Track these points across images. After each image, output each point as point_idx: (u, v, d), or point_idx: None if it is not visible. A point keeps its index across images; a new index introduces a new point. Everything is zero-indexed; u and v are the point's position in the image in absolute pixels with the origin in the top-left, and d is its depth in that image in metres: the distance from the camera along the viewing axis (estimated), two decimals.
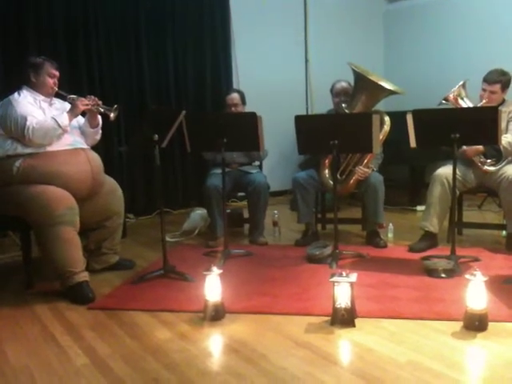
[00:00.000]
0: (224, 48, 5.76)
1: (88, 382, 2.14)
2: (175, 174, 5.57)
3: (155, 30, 5.30)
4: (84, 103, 3.27)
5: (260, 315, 2.73)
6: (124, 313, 2.82)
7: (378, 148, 3.63)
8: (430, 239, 3.81)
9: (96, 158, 3.35)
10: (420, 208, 4.92)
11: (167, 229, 3.96)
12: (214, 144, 3.56)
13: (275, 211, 4.59)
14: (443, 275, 3.18)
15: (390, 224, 4.22)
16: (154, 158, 3.32)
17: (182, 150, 4.61)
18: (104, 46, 5.02)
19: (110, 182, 3.52)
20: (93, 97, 3.35)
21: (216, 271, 2.68)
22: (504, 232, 3.90)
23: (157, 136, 3.28)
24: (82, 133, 3.41)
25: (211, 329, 2.60)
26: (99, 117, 3.45)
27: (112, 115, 3.36)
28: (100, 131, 3.51)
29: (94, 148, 3.49)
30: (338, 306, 2.54)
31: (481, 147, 3.73)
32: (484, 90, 3.80)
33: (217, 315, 2.67)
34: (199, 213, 4.62)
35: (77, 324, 2.70)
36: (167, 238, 3.87)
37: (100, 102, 3.36)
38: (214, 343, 2.51)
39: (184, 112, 3.46)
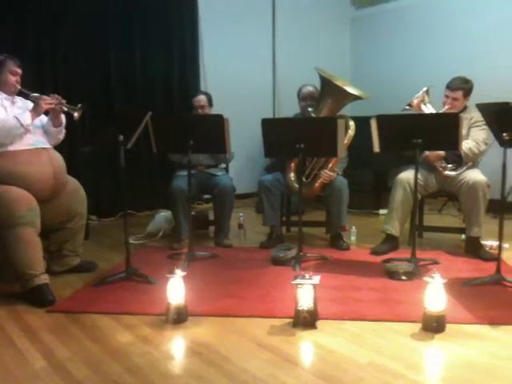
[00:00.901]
0: (192, 49, 5.75)
1: None
2: (140, 175, 5.52)
3: (122, 29, 5.26)
4: (47, 102, 3.21)
5: (223, 318, 2.73)
6: (85, 316, 2.78)
7: (342, 152, 3.67)
8: (391, 242, 3.89)
9: (58, 158, 3.29)
10: (383, 211, 5.01)
11: (131, 231, 3.91)
12: (180, 146, 3.55)
13: (241, 214, 4.59)
14: (404, 277, 3.24)
15: (354, 227, 4.27)
16: (118, 159, 3.29)
17: (148, 151, 4.57)
18: (70, 44, 4.95)
19: (73, 183, 3.47)
20: (56, 95, 3.29)
21: (179, 273, 2.67)
22: (463, 236, 3.99)
23: (122, 137, 3.24)
24: (45, 132, 3.34)
25: (174, 332, 2.58)
26: (63, 116, 3.39)
27: (76, 114, 3.31)
28: (64, 130, 3.45)
29: (57, 148, 3.43)
30: (301, 308, 2.56)
31: (442, 152, 3.81)
32: (447, 96, 3.90)
33: (179, 318, 2.65)
34: (164, 215, 4.59)
35: (36, 327, 2.64)
36: (131, 240, 3.83)
37: (64, 101, 3.30)
38: (177, 346, 2.50)
39: (150, 113, 3.43)
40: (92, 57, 5.10)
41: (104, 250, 4.12)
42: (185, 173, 3.84)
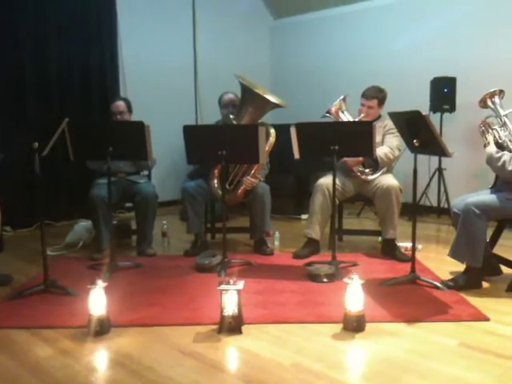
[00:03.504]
0: (111, 54, 5.62)
1: None
2: (58, 183, 5.33)
3: (37, 29, 5.05)
4: None
5: (147, 327, 2.69)
6: (0, 331, 2.64)
7: (264, 158, 3.73)
8: (312, 246, 3.99)
9: None
10: (304, 216, 5.11)
11: (49, 242, 3.78)
12: (99, 153, 3.47)
13: (164, 221, 4.55)
14: (325, 280, 3.34)
15: (277, 232, 4.36)
16: (34, 167, 3.16)
17: (65, 158, 4.43)
18: None
19: None
20: None
21: (101, 284, 2.61)
22: (380, 238, 4.16)
23: (37, 144, 3.12)
24: None
25: (96, 344, 2.51)
26: None
27: None
28: None
29: None
30: (226, 314, 2.58)
31: (360, 158, 3.96)
32: (362, 104, 4.08)
33: (102, 329, 2.59)
34: (83, 224, 4.45)
35: None
36: (48, 252, 3.69)
37: None
38: (99, 358, 2.43)
39: (67, 119, 3.33)
40: (3, 57, 4.85)
41: (20, 262, 3.94)
42: (105, 180, 3.74)
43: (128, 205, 4.60)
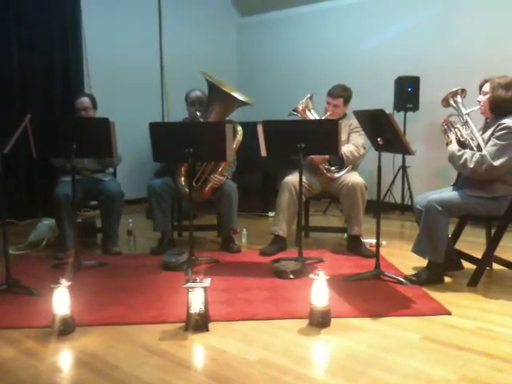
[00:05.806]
0: (74, 49, 5.53)
1: None
2: (20, 181, 5.21)
3: None
4: None
5: (112, 326, 2.66)
6: None
7: (231, 156, 3.74)
8: (279, 243, 4.02)
9: None
10: (271, 214, 5.16)
11: (11, 241, 3.69)
12: (62, 150, 3.41)
13: (130, 220, 4.51)
14: (291, 276, 3.37)
15: (244, 229, 4.37)
16: None
17: (27, 155, 4.34)
18: None
19: None
20: None
21: (65, 283, 2.57)
22: (345, 234, 4.22)
23: None
24: None
25: (60, 343, 2.48)
26: None
27: None
28: None
29: None
30: (192, 312, 2.57)
31: (326, 156, 4.01)
32: (328, 103, 4.12)
33: (66, 329, 2.55)
34: (47, 223, 4.38)
35: None
36: (11, 251, 3.61)
37: None
38: (63, 358, 2.40)
39: (29, 116, 3.26)
40: None
41: None
42: (69, 178, 3.69)
43: (93, 203, 4.55)
